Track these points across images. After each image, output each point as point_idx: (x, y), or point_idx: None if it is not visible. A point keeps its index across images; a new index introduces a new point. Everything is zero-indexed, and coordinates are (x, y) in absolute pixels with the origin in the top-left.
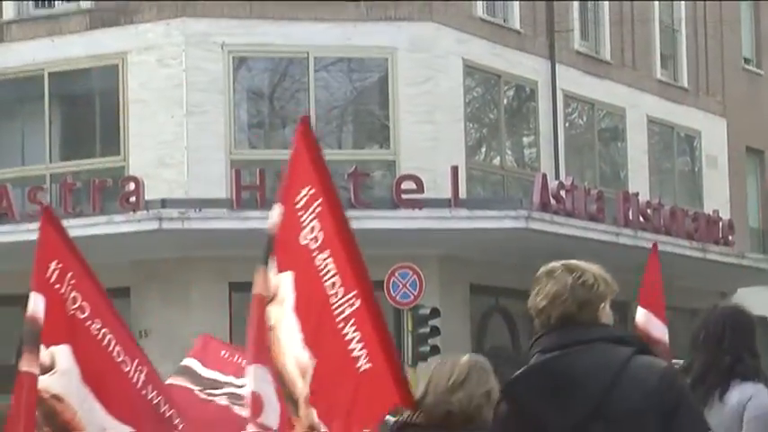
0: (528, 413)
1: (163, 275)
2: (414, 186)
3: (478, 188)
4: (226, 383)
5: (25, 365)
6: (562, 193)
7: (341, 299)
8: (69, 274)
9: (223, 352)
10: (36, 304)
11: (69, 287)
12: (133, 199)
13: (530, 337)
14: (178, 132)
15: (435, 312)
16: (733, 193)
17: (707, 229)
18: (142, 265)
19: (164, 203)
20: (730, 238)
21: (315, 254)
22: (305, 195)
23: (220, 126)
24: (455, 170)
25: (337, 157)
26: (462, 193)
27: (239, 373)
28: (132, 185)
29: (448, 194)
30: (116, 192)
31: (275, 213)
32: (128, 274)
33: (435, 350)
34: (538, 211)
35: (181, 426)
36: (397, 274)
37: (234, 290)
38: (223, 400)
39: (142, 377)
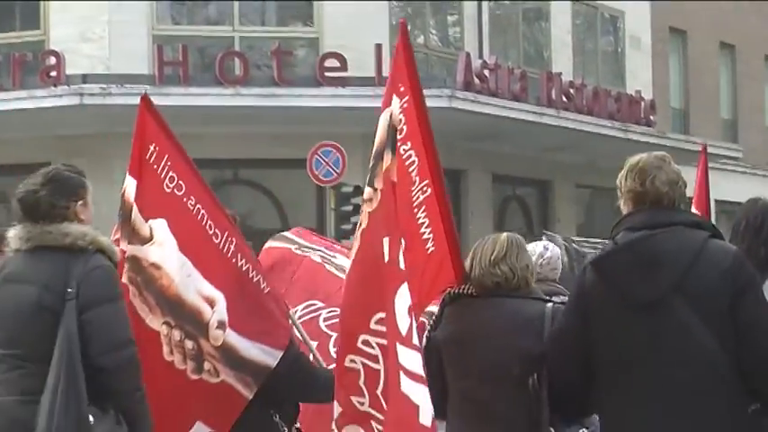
0: (615, 285)
1: (85, 151)
2: (337, 64)
3: None
4: (318, 249)
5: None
6: (486, 72)
7: (416, 186)
8: (166, 156)
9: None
10: (129, 186)
11: (166, 168)
12: (54, 74)
13: (454, 213)
14: (99, 6)
15: (358, 190)
16: (655, 73)
17: (629, 109)
18: (64, 140)
19: (85, 79)
20: (652, 118)
21: None
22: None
23: (143, 0)
24: (379, 48)
25: (260, 34)
26: (386, 72)
27: (331, 248)
28: (53, 60)
29: (372, 73)
30: (36, 66)
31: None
32: (50, 150)
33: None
34: (461, 90)
35: (267, 290)
36: (320, 152)
37: None
38: (317, 257)
39: (232, 247)
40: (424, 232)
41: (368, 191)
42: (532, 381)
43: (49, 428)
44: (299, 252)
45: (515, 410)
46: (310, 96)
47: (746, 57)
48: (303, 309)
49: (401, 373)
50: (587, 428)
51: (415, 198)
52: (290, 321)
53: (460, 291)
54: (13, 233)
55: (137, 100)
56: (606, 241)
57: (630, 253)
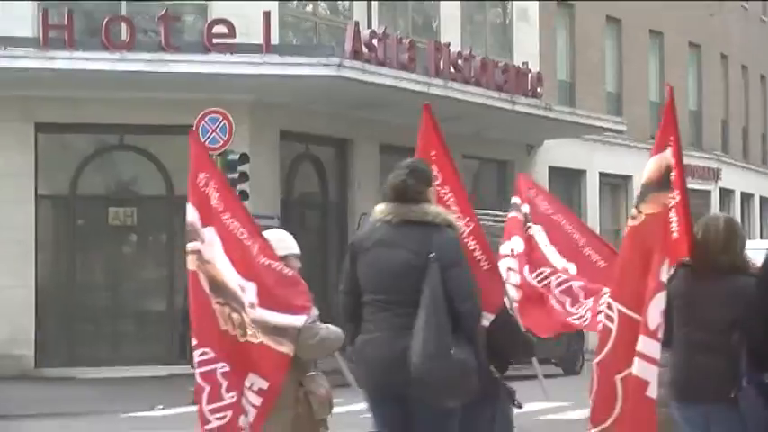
0: None
1: None
2: (225, 31)
3: (291, 35)
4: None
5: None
6: (374, 41)
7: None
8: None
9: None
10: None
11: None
12: None
13: (338, 183)
14: None
15: (245, 158)
16: (542, 45)
17: (516, 80)
18: None
19: None
20: (539, 90)
21: None
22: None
23: None
24: (267, 15)
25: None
26: (274, 39)
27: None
28: None
29: (260, 40)
30: None
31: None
32: None
33: (244, 195)
34: (350, 59)
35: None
36: (206, 119)
37: (39, 130)
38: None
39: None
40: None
41: (633, 210)
42: (735, 336)
43: (425, 351)
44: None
45: (719, 354)
46: (197, 62)
47: (632, 31)
48: (536, 275)
49: (636, 358)
50: None
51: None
52: (503, 287)
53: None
54: (381, 208)
55: (21, 63)
56: (492, 212)
57: None
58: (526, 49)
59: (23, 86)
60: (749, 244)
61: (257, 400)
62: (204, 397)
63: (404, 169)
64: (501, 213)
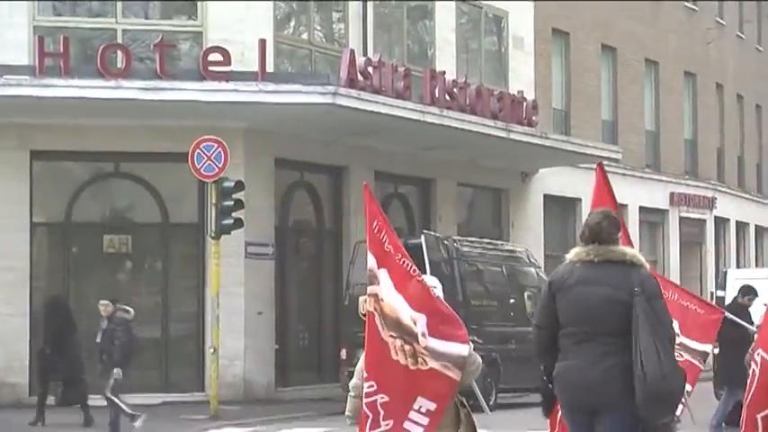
0: None
1: None
2: (221, 58)
3: (286, 62)
4: None
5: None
6: (369, 69)
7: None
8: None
9: None
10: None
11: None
12: None
13: (333, 210)
14: None
15: (240, 185)
16: (538, 74)
17: (511, 108)
18: None
19: None
20: (534, 118)
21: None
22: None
23: None
24: (263, 43)
25: (144, 27)
26: (270, 67)
27: None
28: None
29: (255, 68)
30: None
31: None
32: None
33: (239, 223)
34: (345, 86)
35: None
36: (201, 147)
37: (35, 158)
38: None
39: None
40: None
41: None
42: None
43: (662, 370)
44: None
45: None
46: (193, 90)
47: (627, 59)
48: None
49: None
50: None
51: None
52: None
53: None
54: (578, 250)
55: (17, 91)
56: (486, 240)
57: None
58: (521, 77)
59: (19, 114)
60: (744, 273)
61: (424, 421)
62: (368, 423)
63: (599, 215)
64: (495, 242)
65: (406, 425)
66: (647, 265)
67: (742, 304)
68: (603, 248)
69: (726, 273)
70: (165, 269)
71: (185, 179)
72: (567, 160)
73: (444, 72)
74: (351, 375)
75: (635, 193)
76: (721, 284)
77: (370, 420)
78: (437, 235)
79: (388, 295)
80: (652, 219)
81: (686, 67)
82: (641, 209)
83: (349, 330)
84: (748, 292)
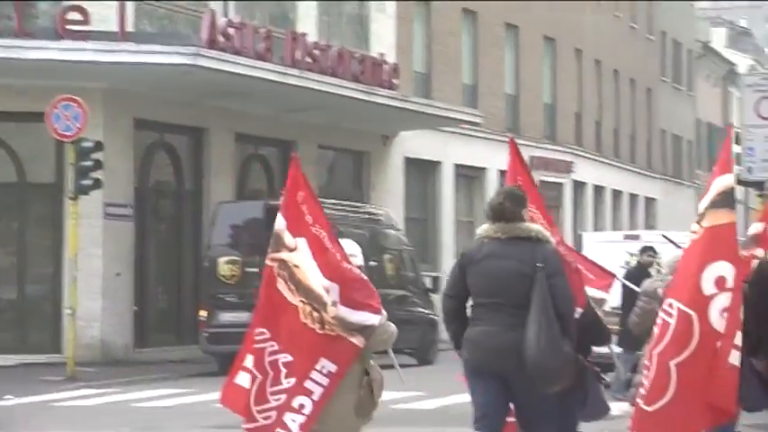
0: None
1: None
2: (80, 17)
3: (146, 23)
4: None
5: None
6: (231, 30)
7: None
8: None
9: None
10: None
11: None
12: None
13: (193, 172)
14: None
15: (99, 146)
16: (399, 37)
17: (372, 71)
18: None
19: None
20: (395, 81)
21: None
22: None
23: None
24: (123, 3)
25: None
26: (130, 27)
27: None
28: None
29: (114, 27)
30: None
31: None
32: None
33: (98, 184)
34: (206, 47)
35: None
36: (59, 106)
37: None
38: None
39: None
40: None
41: (695, 226)
42: None
43: (539, 344)
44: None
45: None
46: (50, 49)
47: (488, 24)
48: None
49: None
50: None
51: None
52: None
53: None
54: (486, 227)
55: None
56: (347, 202)
57: None
58: (383, 41)
59: None
60: (600, 236)
61: (325, 381)
62: (269, 380)
63: (501, 195)
64: (357, 204)
65: (307, 384)
66: (553, 241)
67: (643, 263)
68: (510, 226)
69: (581, 236)
70: (22, 229)
71: (43, 139)
72: (427, 123)
73: (306, 34)
74: (210, 337)
75: (495, 157)
76: (577, 248)
77: (270, 377)
78: None
79: (304, 263)
80: None
81: (546, 31)
82: (501, 172)
83: (208, 292)
84: (646, 250)
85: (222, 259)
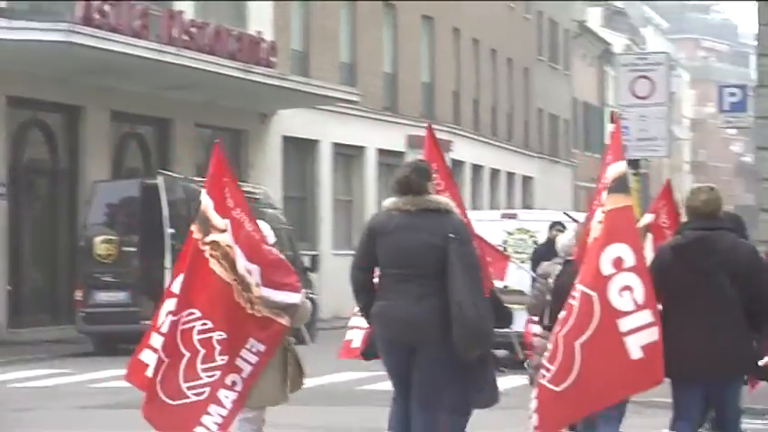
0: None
1: None
2: None
3: None
4: None
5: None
6: (106, 7)
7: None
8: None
9: None
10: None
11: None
12: None
13: (68, 150)
14: None
15: None
16: (277, 15)
17: (250, 49)
18: None
19: None
20: (272, 59)
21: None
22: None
23: None
24: None
25: None
26: (2, 4)
27: None
28: None
29: None
30: None
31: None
32: None
33: None
34: (81, 24)
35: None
36: None
37: None
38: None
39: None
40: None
41: (600, 214)
42: None
43: (474, 303)
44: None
45: None
46: None
47: (366, 3)
48: None
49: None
50: None
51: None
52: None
53: None
54: (395, 200)
55: None
56: None
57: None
58: (261, 18)
59: None
60: (477, 215)
61: (254, 360)
62: (200, 357)
63: (407, 168)
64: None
65: (238, 362)
66: (458, 212)
67: (551, 238)
68: (419, 199)
69: None
70: None
71: None
72: (305, 102)
73: (183, 12)
74: (86, 317)
75: (373, 136)
76: None
77: (201, 355)
78: (174, 175)
79: (231, 243)
80: (390, 161)
81: (424, 10)
82: (379, 151)
83: (84, 271)
84: (555, 225)
85: (98, 239)
